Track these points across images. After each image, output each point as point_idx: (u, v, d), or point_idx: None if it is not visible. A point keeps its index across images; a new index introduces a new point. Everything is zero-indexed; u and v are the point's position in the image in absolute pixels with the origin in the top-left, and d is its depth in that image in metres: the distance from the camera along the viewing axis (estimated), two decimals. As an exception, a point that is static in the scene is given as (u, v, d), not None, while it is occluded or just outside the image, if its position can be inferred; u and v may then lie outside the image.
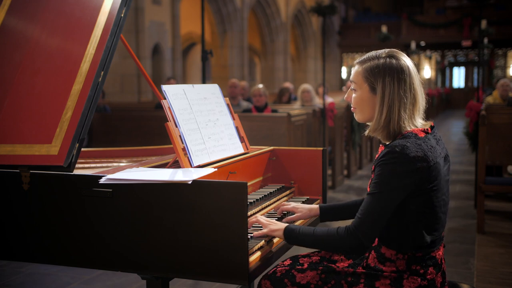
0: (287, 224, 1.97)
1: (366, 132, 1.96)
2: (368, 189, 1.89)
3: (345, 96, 2.03)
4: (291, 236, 1.94)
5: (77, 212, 1.92)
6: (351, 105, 1.99)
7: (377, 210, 1.80)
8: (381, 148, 1.92)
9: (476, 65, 18.72)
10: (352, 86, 1.97)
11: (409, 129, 1.87)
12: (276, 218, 2.23)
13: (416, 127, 1.88)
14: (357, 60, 1.96)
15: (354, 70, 1.96)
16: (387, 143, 1.90)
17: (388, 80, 1.85)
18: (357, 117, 1.99)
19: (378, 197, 1.80)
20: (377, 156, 1.89)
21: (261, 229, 2.01)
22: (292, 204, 2.27)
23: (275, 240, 2.02)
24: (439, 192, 1.85)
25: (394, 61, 1.88)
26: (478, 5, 6.79)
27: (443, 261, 1.94)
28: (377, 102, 1.88)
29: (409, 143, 1.80)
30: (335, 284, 1.91)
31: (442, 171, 1.86)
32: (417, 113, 1.90)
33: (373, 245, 1.97)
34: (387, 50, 1.93)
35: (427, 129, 1.89)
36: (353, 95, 1.97)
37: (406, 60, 1.90)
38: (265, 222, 2.01)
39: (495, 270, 4.02)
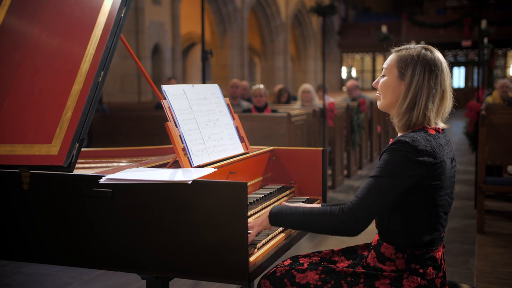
0: (272, 207, 1.96)
1: (392, 116, 1.98)
2: None
3: (374, 82, 2.04)
4: (277, 215, 1.91)
5: (77, 212, 1.92)
6: (377, 92, 2.02)
7: (376, 194, 1.79)
8: (391, 141, 1.91)
9: (476, 65, 18.69)
10: (383, 72, 1.99)
11: (431, 124, 1.89)
12: None
13: (436, 124, 1.90)
14: (394, 49, 1.99)
15: (389, 57, 1.99)
16: (400, 134, 1.91)
17: (419, 69, 1.88)
18: (379, 103, 2.00)
19: (380, 181, 1.80)
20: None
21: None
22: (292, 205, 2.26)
23: (275, 240, 2.03)
24: (442, 191, 1.85)
25: (428, 53, 1.91)
26: (478, 5, 6.78)
27: (443, 261, 1.94)
28: (403, 88, 1.90)
29: (419, 137, 1.82)
30: (334, 284, 1.91)
31: (447, 171, 1.86)
32: (442, 112, 1.92)
33: (373, 244, 1.98)
34: (422, 44, 1.98)
35: (438, 128, 1.91)
36: (382, 80, 1.98)
37: (440, 57, 1.93)
38: (252, 224, 1.97)
39: (495, 270, 4.02)
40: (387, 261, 1.90)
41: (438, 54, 1.94)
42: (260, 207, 2.28)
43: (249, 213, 2.14)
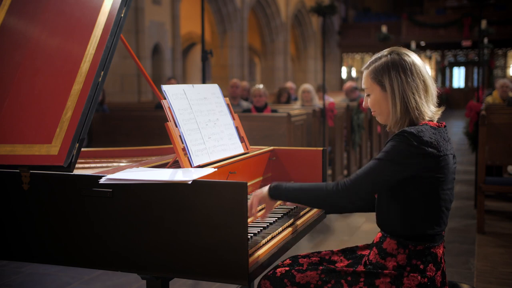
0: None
1: (388, 127, 2.01)
2: None
3: (363, 104, 2.08)
4: (276, 189, 1.98)
5: (77, 212, 1.92)
6: (372, 110, 2.04)
7: (375, 174, 1.84)
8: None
9: (476, 65, 18.70)
10: (366, 92, 2.03)
11: (426, 118, 1.92)
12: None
13: (432, 117, 1.93)
14: (363, 67, 2.03)
15: (363, 77, 2.03)
16: None
17: (393, 74, 1.91)
18: (379, 119, 2.04)
19: (381, 163, 1.84)
20: None
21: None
22: None
23: (275, 240, 2.03)
24: (445, 185, 1.88)
25: (396, 56, 1.94)
26: (478, 5, 6.78)
27: (443, 260, 1.95)
28: (388, 97, 1.93)
29: (424, 129, 1.86)
30: (335, 284, 1.91)
31: (450, 166, 1.90)
32: (430, 99, 1.96)
33: (375, 241, 1.99)
34: (388, 49, 2.01)
35: (440, 124, 1.95)
36: (369, 100, 2.02)
37: (409, 53, 1.96)
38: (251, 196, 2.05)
39: (495, 270, 4.02)
40: (389, 256, 1.91)
41: (406, 52, 1.96)
42: (260, 207, 2.28)
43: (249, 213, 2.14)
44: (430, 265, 1.89)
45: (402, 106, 1.91)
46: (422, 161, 1.82)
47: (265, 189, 2.02)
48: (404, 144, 1.82)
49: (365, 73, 2.00)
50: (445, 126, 1.97)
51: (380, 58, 1.97)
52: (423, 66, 1.96)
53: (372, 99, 2.00)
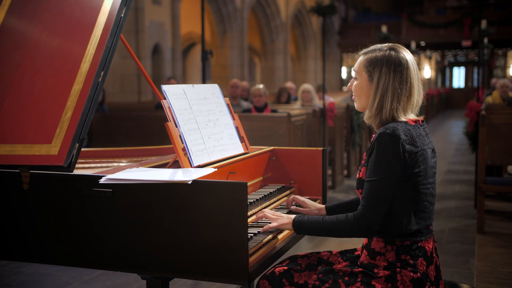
0: (295, 216, 2.03)
1: (365, 118, 2.02)
2: (358, 175, 1.96)
3: (349, 84, 2.10)
4: (300, 226, 1.99)
5: (77, 212, 1.93)
6: (353, 94, 2.06)
7: (379, 194, 1.86)
8: (373, 138, 1.94)
9: (476, 65, 18.71)
10: (354, 75, 2.05)
11: (401, 119, 1.93)
12: (287, 211, 2.28)
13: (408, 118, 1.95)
14: (362, 51, 2.03)
15: (358, 60, 2.03)
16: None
17: (384, 70, 1.93)
18: (356, 105, 2.07)
19: (377, 182, 1.86)
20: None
21: (268, 223, 2.06)
22: (304, 198, 2.32)
23: (275, 240, 2.03)
24: (425, 179, 1.90)
25: (393, 53, 1.95)
26: (478, 5, 6.79)
27: (434, 255, 1.96)
28: (371, 90, 1.95)
29: (399, 127, 1.87)
30: (332, 284, 1.92)
31: (429, 161, 1.92)
32: (411, 108, 1.97)
33: (364, 244, 2.02)
34: (390, 44, 2.01)
35: (418, 120, 1.96)
36: (354, 83, 2.04)
37: (406, 55, 1.96)
38: (273, 216, 2.05)
39: (495, 270, 4.02)
40: (378, 255, 1.93)
41: (404, 52, 1.96)
42: (260, 207, 2.28)
43: (249, 213, 2.14)
44: (420, 259, 1.90)
45: (379, 104, 1.93)
46: (404, 159, 1.85)
47: (289, 223, 2.01)
48: (386, 150, 1.85)
49: (361, 58, 2.01)
50: (423, 121, 1.99)
51: (379, 50, 1.97)
52: (415, 70, 1.96)
53: (357, 84, 2.02)
